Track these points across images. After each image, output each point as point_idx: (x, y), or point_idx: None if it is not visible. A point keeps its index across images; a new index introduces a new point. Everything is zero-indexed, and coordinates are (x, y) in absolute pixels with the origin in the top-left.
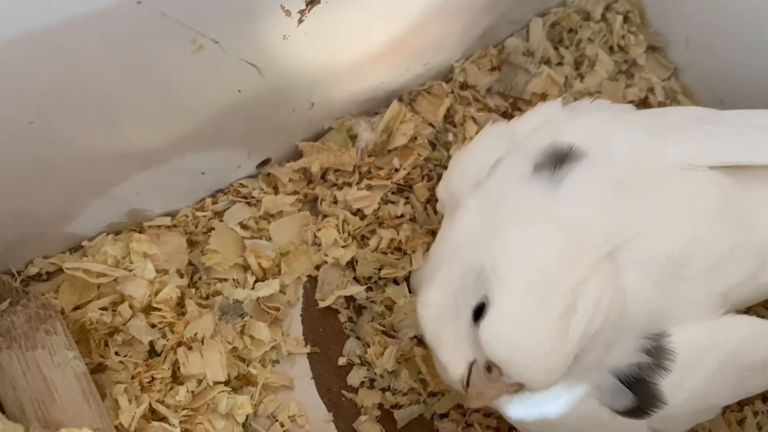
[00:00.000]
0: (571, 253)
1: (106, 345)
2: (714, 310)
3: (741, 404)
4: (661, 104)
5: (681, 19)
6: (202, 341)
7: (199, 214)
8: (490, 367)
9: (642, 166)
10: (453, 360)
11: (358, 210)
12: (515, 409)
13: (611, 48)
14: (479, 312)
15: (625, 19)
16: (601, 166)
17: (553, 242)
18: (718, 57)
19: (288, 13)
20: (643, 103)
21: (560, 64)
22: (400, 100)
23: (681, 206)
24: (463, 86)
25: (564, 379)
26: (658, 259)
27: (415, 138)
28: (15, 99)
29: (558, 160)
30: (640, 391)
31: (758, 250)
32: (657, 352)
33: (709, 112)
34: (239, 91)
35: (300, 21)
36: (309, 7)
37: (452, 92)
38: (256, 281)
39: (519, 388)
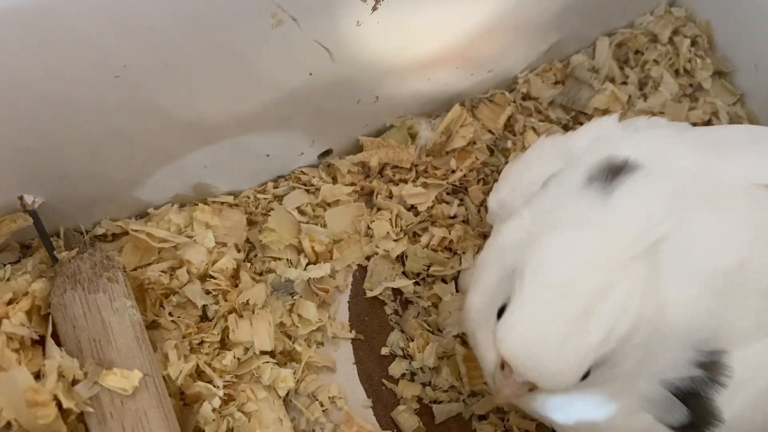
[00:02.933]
0: (600, 257)
1: (161, 306)
2: None
3: None
4: None
5: (750, 45)
6: (253, 311)
7: (260, 196)
8: (503, 364)
9: (701, 181)
10: (484, 359)
11: (412, 206)
12: (560, 414)
13: (677, 71)
14: (502, 312)
15: (693, 43)
16: (655, 177)
17: (582, 246)
18: None
19: None
20: (706, 126)
21: (624, 83)
22: (462, 105)
23: (741, 222)
24: (526, 97)
25: (606, 386)
26: (708, 269)
27: (474, 142)
28: (102, 55)
29: (612, 172)
30: (694, 405)
31: None
32: (711, 367)
33: None
34: (310, 74)
35: (374, 8)
36: None
37: (514, 101)
38: (308, 263)
39: (532, 387)
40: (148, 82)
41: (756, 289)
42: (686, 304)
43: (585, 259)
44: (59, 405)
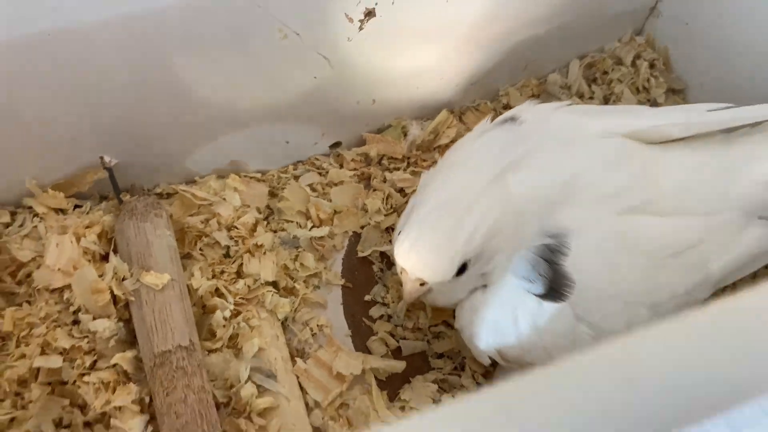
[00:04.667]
0: (466, 186)
1: (195, 244)
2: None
3: None
4: None
5: (699, 67)
6: (264, 252)
7: (282, 175)
8: (402, 270)
9: (563, 131)
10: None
11: (401, 189)
12: (481, 341)
13: (637, 88)
14: None
15: (651, 65)
16: (517, 128)
17: (455, 180)
18: (725, 99)
19: (350, 20)
20: None
21: (591, 98)
22: (451, 111)
23: (578, 153)
24: (506, 107)
25: (488, 275)
26: (548, 179)
27: (457, 139)
28: (167, 64)
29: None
30: (549, 272)
31: (662, 194)
32: (556, 242)
33: (659, 109)
34: (315, 77)
35: (360, 28)
36: (367, 18)
37: (495, 110)
38: (312, 226)
39: (423, 282)
40: (197, 83)
41: (593, 192)
42: (532, 203)
43: (455, 189)
44: (112, 294)
